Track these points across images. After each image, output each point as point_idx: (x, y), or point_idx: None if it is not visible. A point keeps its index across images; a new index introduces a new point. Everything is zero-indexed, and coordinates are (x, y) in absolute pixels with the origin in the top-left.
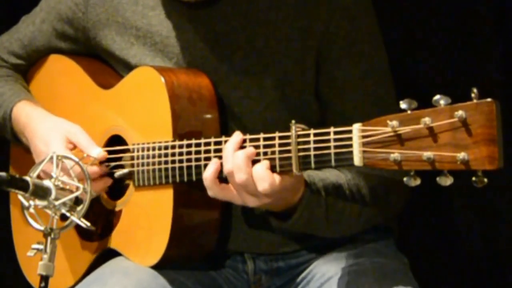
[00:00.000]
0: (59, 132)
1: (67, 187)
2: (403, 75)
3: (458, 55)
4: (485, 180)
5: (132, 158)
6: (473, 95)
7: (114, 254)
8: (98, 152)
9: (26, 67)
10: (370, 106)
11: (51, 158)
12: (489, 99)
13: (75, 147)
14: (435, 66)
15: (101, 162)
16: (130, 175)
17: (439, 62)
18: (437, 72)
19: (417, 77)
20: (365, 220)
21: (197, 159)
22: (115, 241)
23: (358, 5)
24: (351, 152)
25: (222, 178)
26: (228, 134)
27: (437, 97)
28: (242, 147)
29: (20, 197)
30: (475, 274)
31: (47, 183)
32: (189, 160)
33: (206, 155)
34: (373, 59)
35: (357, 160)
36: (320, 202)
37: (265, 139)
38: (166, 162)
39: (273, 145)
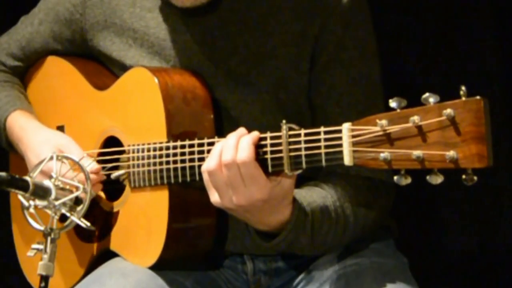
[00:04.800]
0: (50, 145)
1: (67, 187)
2: (396, 73)
3: (455, 53)
4: (475, 178)
5: (129, 159)
6: (461, 92)
7: (112, 255)
8: (90, 165)
9: (24, 69)
10: (355, 115)
11: (51, 158)
12: (477, 97)
13: None
14: (432, 65)
15: (98, 163)
16: (126, 176)
17: (436, 61)
18: (433, 71)
19: (411, 75)
20: (347, 240)
21: (191, 160)
22: (113, 242)
23: (355, 13)
24: (341, 152)
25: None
26: (224, 137)
27: (426, 95)
28: None
29: (20, 197)
30: (475, 274)
31: (47, 183)
32: (183, 161)
33: (200, 155)
34: (362, 68)
35: (347, 160)
36: (306, 228)
37: None
38: (160, 163)
39: (264, 146)
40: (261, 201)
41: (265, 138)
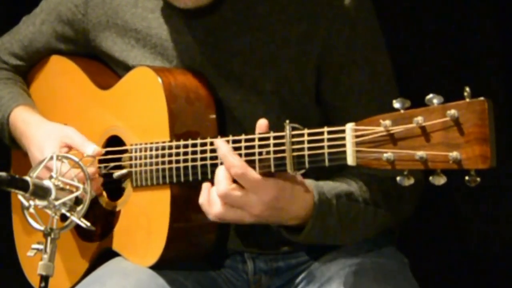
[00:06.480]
0: (53, 138)
1: (67, 187)
2: (399, 74)
3: (456, 53)
4: (478, 179)
5: (131, 159)
6: (465, 93)
7: (113, 254)
8: (93, 149)
9: (27, 68)
10: (376, 112)
11: (51, 158)
12: (481, 98)
13: (70, 150)
14: (436, 66)
15: (100, 162)
16: (128, 176)
17: (440, 63)
18: (437, 72)
19: (415, 76)
20: (380, 223)
21: (194, 160)
22: (114, 241)
23: (359, 10)
24: (344, 152)
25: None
26: (227, 137)
27: (430, 96)
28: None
29: (20, 197)
30: (475, 274)
31: (47, 183)
32: (185, 161)
33: (203, 155)
34: (376, 64)
35: (350, 160)
36: (332, 211)
37: (260, 139)
38: (163, 163)
39: (267, 145)
40: (274, 200)
41: (268, 138)
